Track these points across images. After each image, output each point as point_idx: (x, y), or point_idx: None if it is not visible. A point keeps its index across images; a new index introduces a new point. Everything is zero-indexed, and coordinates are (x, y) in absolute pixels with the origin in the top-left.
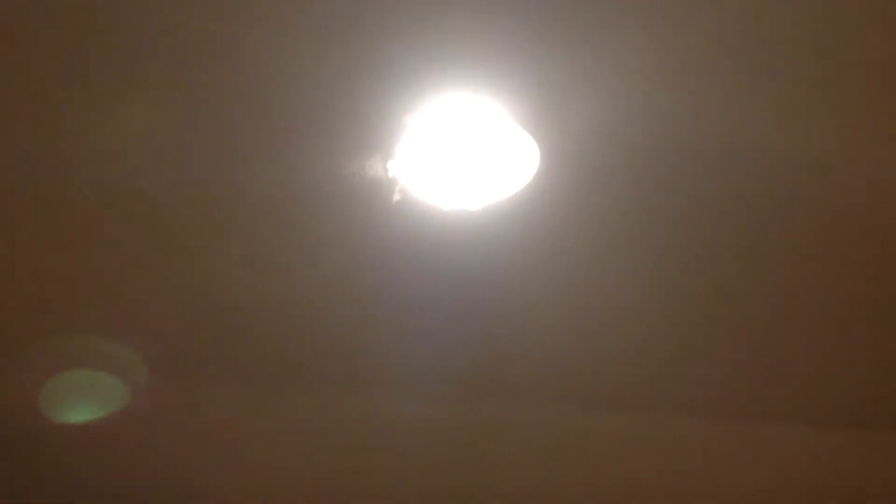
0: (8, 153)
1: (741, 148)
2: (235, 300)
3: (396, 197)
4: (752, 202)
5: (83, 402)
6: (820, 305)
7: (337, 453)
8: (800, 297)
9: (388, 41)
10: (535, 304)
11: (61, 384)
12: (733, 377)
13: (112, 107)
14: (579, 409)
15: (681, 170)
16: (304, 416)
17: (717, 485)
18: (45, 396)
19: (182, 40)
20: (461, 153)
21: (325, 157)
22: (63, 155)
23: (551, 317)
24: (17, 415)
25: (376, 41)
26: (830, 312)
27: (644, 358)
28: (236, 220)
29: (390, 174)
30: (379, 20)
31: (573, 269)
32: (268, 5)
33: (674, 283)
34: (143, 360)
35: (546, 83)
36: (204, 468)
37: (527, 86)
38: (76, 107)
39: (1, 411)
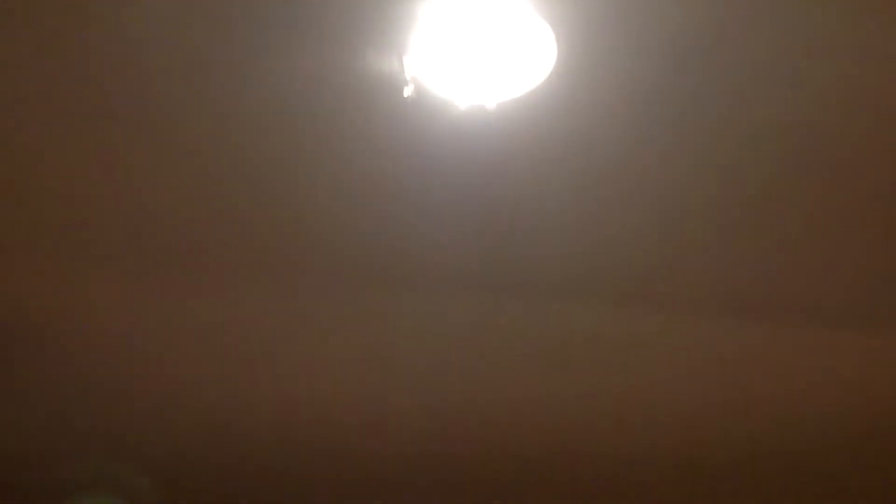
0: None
1: (771, 35)
2: (247, 199)
3: (410, 93)
4: (783, 94)
5: None
6: (851, 206)
7: (349, 356)
8: (832, 193)
9: None
10: (552, 203)
11: None
12: (760, 276)
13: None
14: (597, 309)
15: (707, 62)
16: (315, 314)
17: (740, 385)
18: None
19: None
20: (477, 45)
21: (337, 52)
22: (72, 46)
23: (570, 216)
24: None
25: None
26: (862, 213)
27: (666, 257)
28: (247, 118)
29: (404, 69)
30: None
31: (593, 167)
32: None
33: (697, 182)
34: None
35: None
36: (223, 371)
37: None
38: None
39: None
